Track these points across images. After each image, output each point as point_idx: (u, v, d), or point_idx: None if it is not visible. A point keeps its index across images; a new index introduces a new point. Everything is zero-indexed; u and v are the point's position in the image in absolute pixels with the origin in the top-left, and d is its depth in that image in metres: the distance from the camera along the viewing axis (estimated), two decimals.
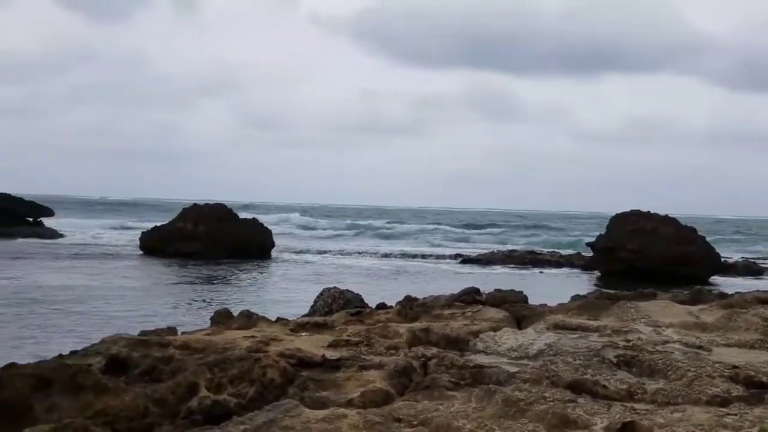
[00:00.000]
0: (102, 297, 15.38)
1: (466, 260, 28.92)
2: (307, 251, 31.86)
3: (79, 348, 5.06)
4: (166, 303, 15.12)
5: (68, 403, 3.92)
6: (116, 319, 12.50)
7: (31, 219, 36.17)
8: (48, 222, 37.17)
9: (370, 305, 7.01)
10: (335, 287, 6.98)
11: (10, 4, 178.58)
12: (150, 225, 30.77)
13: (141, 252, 27.09)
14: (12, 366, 4.13)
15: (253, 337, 4.98)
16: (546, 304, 6.48)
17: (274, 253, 28.39)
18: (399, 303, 6.51)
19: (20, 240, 31.24)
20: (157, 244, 26.84)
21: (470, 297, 6.22)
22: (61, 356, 4.52)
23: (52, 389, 3.98)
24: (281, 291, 17.96)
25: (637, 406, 3.63)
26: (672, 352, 4.49)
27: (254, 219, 29.09)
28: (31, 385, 3.94)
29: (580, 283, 21.48)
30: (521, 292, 6.58)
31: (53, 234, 34.98)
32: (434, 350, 4.61)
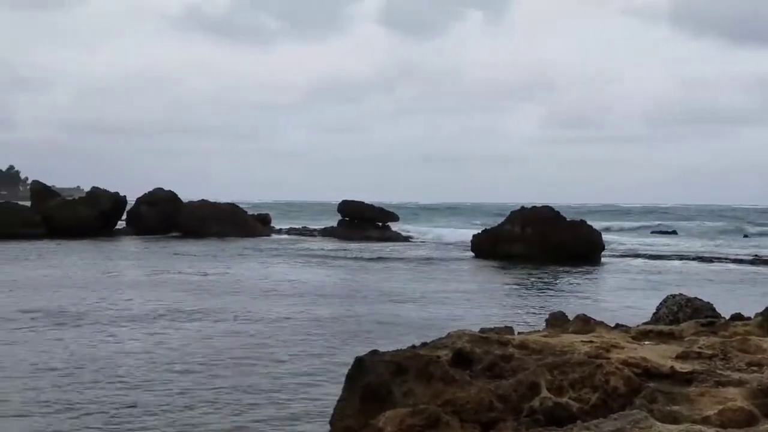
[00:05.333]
0: (441, 296, 16.59)
1: None
2: (643, 255, 29.96)
3: (420, 341, 5.48)
4: (497, 303, 15.66)
5: (421, 390, 4.28)
6: (455, 317, 13.35)
7: (380, 224, 40.79)
8: (393, 226, 41.50)
9: (723, 315, 6.28)
10: (681, 294, 6.41)
11: (346, 32, 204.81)
12: (479, 228, 32.27)
13: (472, 254, 28.52)
14: (375, 353, 4.67)
15: (591, 342, 4.84)
16: None
17: (604, 257, 27.36)
18: (760, 314, 5.70)
19: (371, 244, 35.43)
20: (487, 246, 27.96)
21: None
22: (413, 347, 4.96)
23: (408, 376, 4.39)
24: (613, 296, 17.20)
25: None
26: None
27: (582, 221, 28.41)
28: (391, 371, 4.40)
29: None
30: None
31: (398, 237, 38.97)
32: None
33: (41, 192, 39.91)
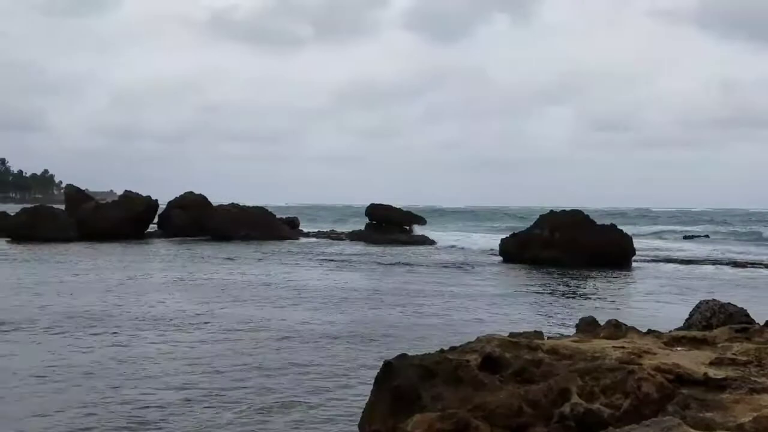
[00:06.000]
0: (469, 300, 16.52)
1: None
2: (674, 259, 29.46)
3: (447, 346, 5.47)
4: (527, 308, 15.53)
5: (450, 394, 4.28)
6: (483, 321, 13.28)
7: (407, 227, 40.79)
8: (419, 229, 41.47)
9: (757, 321, 6.16)
10: (714, 300, 6.30)
11: (372, 38, 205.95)
12: (507, 232, 32.04)
13: (500, 258, 28.34)
14: (403, 356, 4.68)
15: (623, 347, 4.79)
16: None
17: (635, 261, 26.97)
18: None
19: (398, 247, 35.40)
20: (515, 251, 27.75)
21: None
22: (442, 351, 4.96)
23: (436, 380, 4.39)
24: (645, 301, 16.96)
25: None
26: None
27: (612, 225, 28.06)
28: (420, 375, 4.41)
29: None
30: None
31: (425, 240, 38.92)
32: None
33: (75, 196, 40.71)
